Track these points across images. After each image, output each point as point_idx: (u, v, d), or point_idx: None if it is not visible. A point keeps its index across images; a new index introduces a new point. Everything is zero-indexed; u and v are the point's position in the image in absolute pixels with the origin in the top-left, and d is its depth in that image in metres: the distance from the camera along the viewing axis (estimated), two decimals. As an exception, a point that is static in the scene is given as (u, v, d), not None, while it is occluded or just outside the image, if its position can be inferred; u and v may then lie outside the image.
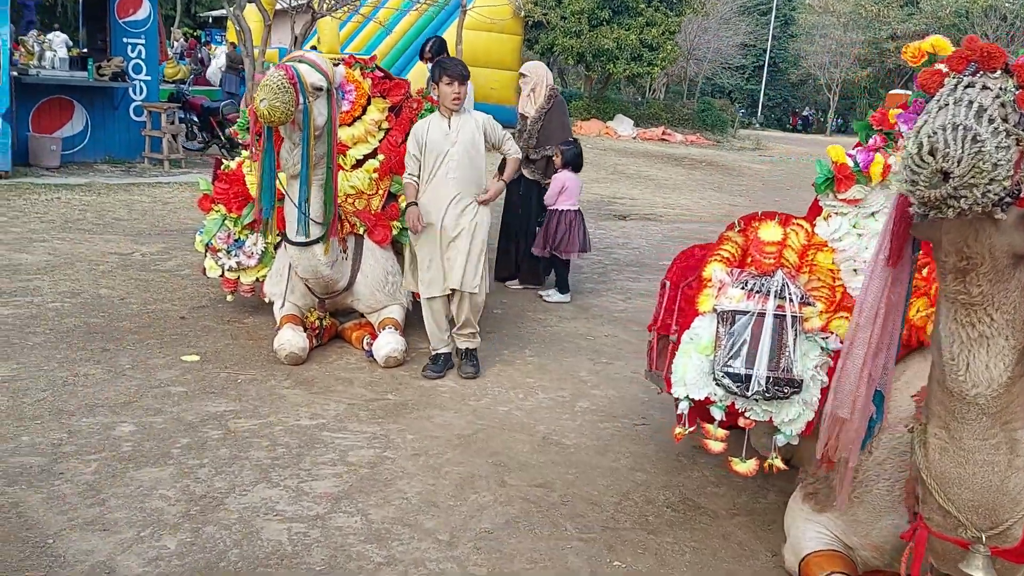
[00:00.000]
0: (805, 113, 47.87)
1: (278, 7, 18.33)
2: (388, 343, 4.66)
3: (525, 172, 6.37)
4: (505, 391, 4.49)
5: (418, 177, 4.50)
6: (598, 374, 4.89)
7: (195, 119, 12.47)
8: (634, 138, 23.41)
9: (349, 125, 5.21)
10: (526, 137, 6.45)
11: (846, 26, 43.71)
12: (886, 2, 44.11)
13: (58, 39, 20.54)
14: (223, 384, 4.24)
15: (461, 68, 4.30)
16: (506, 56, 22.47)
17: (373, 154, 5.22)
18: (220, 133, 12.29)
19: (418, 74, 20.62)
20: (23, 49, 18.03)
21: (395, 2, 18.85)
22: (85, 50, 14.27)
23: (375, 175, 5.10)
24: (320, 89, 4.13)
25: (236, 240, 5.14)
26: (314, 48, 16.82)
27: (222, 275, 5.21)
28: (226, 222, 5.15)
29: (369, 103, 5.23)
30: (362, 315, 5.08)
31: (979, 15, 39.04)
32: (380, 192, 5.12)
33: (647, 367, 3.35)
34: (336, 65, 4.83)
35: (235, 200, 5.09)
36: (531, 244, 6.35)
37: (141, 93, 11.29)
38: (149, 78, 11.38)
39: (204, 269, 5.27)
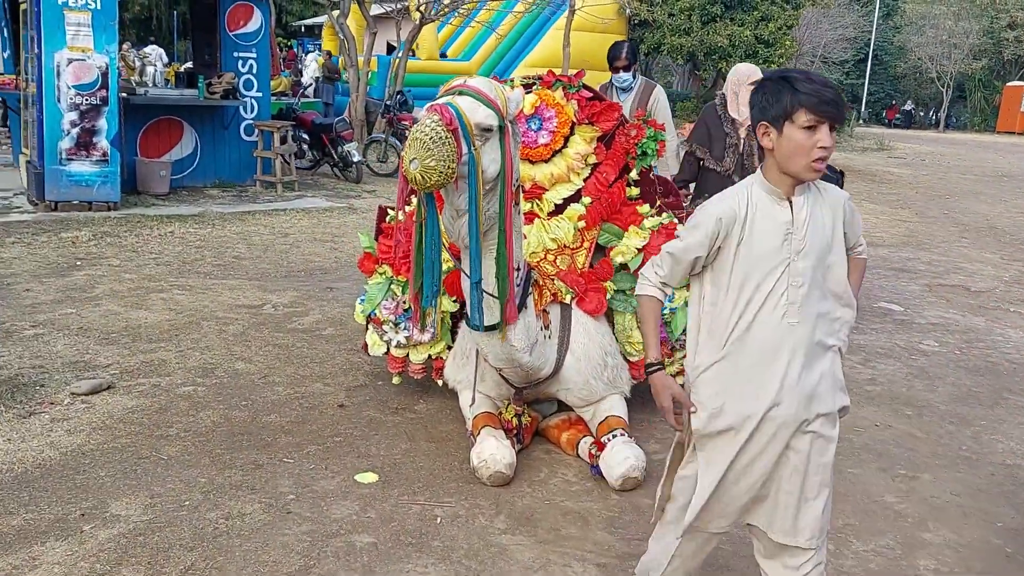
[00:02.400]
0: (907, 107, 45.11)
1: (374, 12, 17.58)
2: (624, 458, 3.48)
3: None
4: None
5: (668, 292, 2.34)
6: (908, 496, 3.61)
7: (305, 136, 11.61)
8: (749, 142, 21.83)
9: (547, 161, 4.08)
10: (744, 150, 5.25)
11: (957, 15, 40.94)
12: (1001, -12, 41.26)
13: (155, 53, 20.24)
14: (419, 526, 3.13)
15: (834, 97, 2.04)
16: (610, 58, 21.27)
17: (576, 196, 4.07)
18: (333, 151, 11.40)
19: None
20: (124, 64, 17.68)
21: (496, 3, 17.84)
22: (190, 64, 13.66)
23: (580, 223, 3.94)
24: (490, 129, 2.88)
25: (406, 310, 4.06)
26: (413, 54, 15.86)
27: (387, 352, 4.15)
28: (392, 287, 4.07)
29: (572, 132, 4.08)
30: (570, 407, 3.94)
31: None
32: (586, 245, 3.96)
33: None
34: (508, 85, 3.72)
35: (405, 260, 4.01)
36: None
37: (252, 111, 10.46)
38: (260, 94, 10.54)
39: (366, 346, 4.21)
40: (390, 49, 22.33)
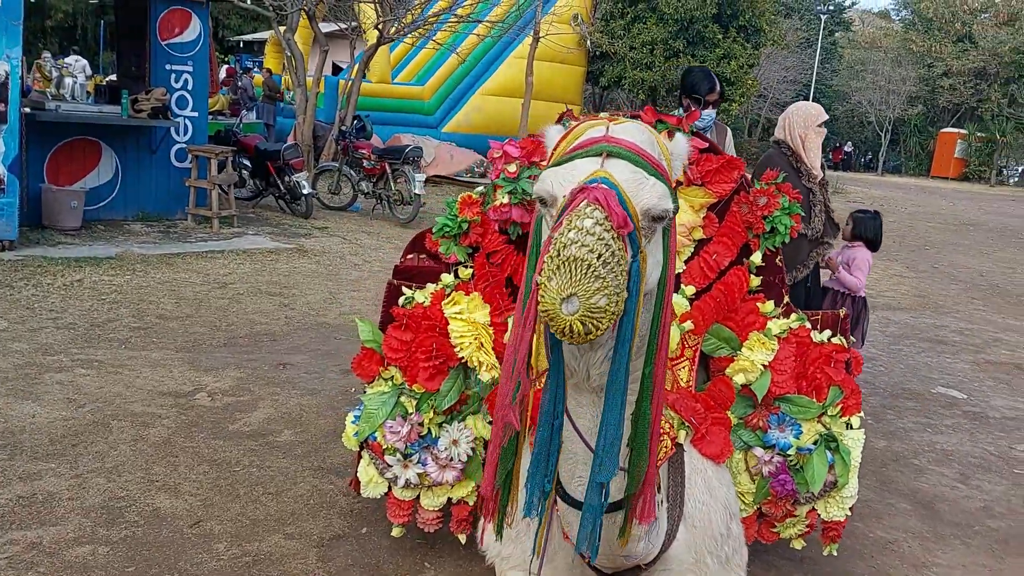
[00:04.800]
0: (848, 149, 45.74)
1: (325, 29, 16.18)
2: None
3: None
4: None
5: None
6: None
7: (247, 163, 10.16)
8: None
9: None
10: (822, 205, 4.16)
11: (895, 62, 41.61)
12: (938, 38, 42.05)
13: (77, 63, 18.43)
14: None
15: None
16: (568, 89, 20.33)
17: (676, 284, 2.82)
18: (279, 181, 9.98)
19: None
20: (39, 74, 15.87)
21: (455, 24, 16.69)
22: (113, 77, 12.10)
23: (687, 324, 2.68)
24: (663, 218, 1.63)
25: (423, 436, 2.77)
26: (363, 75, 14.53)
27: (388, 492, 2.85)
28: (403, 400, 2.77)
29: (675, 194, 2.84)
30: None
31: (1041, 51, 36.89)
32: (689, 354, 2.71)
33: None
34: (663, 132, 2.51)
35: (426, 363, 2.72)
36: None
37: (186, 133, 8.96)
38: (196, 114, 9.04)
39: (357, 482, 2.90)
40: (336, 70, 20.93)
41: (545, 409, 1.70)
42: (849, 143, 46.34)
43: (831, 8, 44.69)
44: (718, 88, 4.14)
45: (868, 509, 3.76)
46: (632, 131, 1.67)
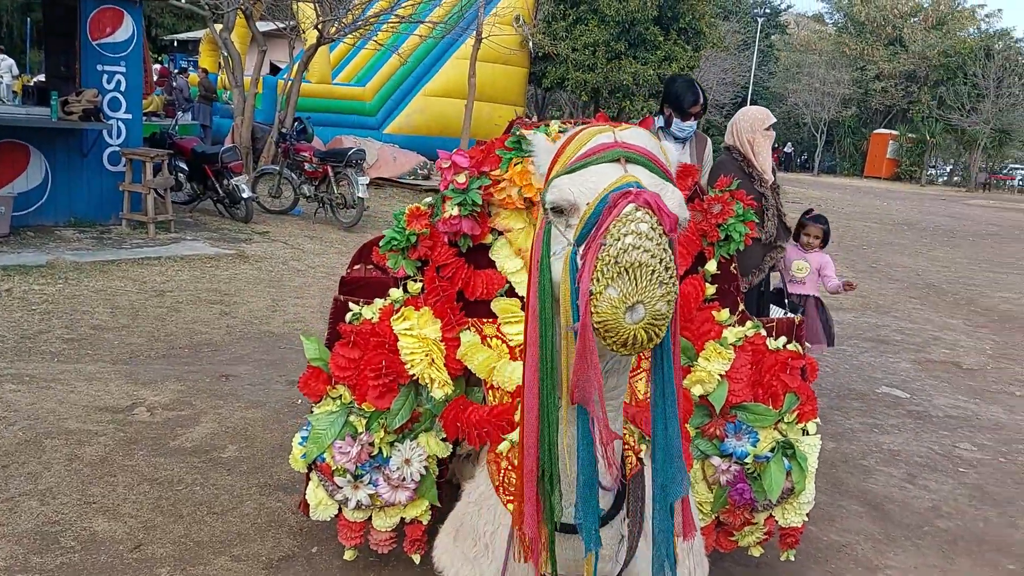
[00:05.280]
0: (787, 150, 46.72)
1: (263, 28, 15.84)
2: None
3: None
4: None
5: None
6: None
7: (183, 166, 9.87)
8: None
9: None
10: (775, 210, 4.21)
11: (829, 65, 42.66)
12: (870, 41, 43.18)
13: (4, 63, 17.78)
14: None
15: None
16: (511, 90, 20.30)
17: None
18: (217, 185, 9.72)
19: (437, 109, 18.39)
20: (-38, 74, 15.27)
21: (397, 23, 16.50)
22: (41, 77, 11.67)
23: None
24: (681, 226, 1.58)
25: (374, 456, 2.68)
26: (304, 76, 14.28)
27: (339, 514, 2.75)
28: (352, 420, 2.67)
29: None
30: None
31: (968, 54, 38.12)
32: (645, 366, 2.68)
33: None
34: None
35: (376, 381, 2.62)
36: None
37: (120, 136, 8.67)
38: (130, 116, 8.75)
39: (306, 504, 2.79)
40: (274, 70, 20.55)
41: (583, 434, 1.62)
42: (789, 144, 47.29)
43: (767, 11, 45.61)
44: (701, 100, 4.11)
45: (821, 512, 3.78)
46: (641, 137, 1.61)
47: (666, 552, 1.70)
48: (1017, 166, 46.55)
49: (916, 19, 43.75)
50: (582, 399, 1.52)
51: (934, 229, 18.48)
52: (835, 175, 43.37)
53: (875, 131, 42.92)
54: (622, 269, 1.32)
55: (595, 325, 1.36)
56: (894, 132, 41.44)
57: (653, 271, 1.33)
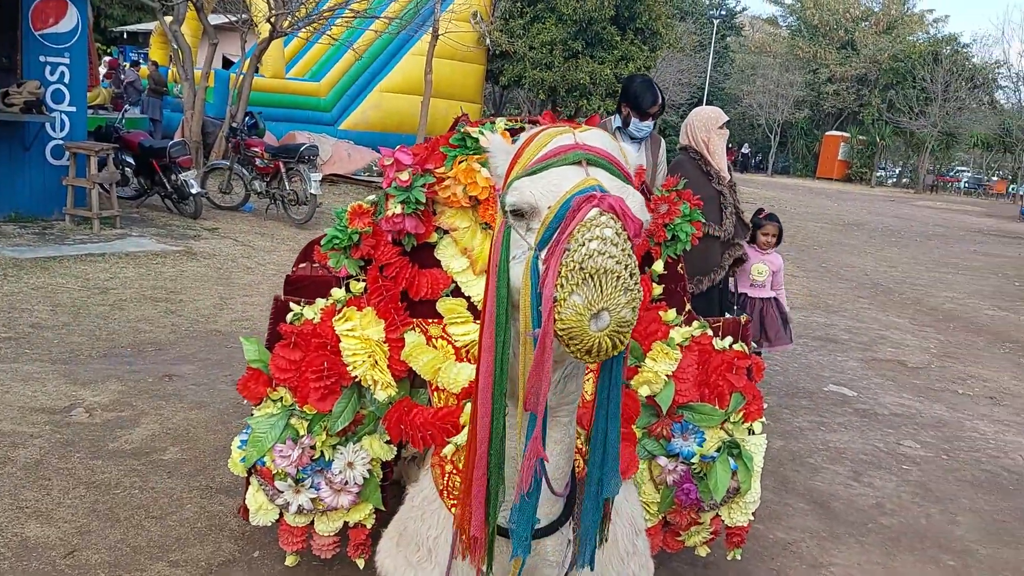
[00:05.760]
0: (744, 151, 47.33)
1: (215, 21, 15.57)
2: None
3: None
4: None
5: None
6: None
7: (130, 161, 9.65)
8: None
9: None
10: (732, 207, 4.24)
11: (783, 67, 43.30)
12: (822, 44, 43.91)
13: (-56, 52, 17.18)
14: None
15: None
16: (468, 87, 20.25)
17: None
18: (165, 180, 9.52)
19: (394, 106, 18.20)
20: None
21: (351, 18, 16.34)
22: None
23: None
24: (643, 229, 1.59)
25: (315, 459, 2.62)
26: (256, 70, 14.08)
27: (280, 519, 2.69)
28: (293, 423, 2.61)
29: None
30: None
31: (917, 59, 38.97)
32: (594, 366, 2.67)
33: None
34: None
35: (317, 383, 2.57)
36: None
37: (63, 129, 8.44)
38: (74, 109, 8.52)
39: (245, 509, 2.72)
40: (227, 64, 20.22)
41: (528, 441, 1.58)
42: (746, 145, 47.88)
43: (723, 13, 46.09)
44: (660, 100, 4.12)
45: (767, 510, 3.81)
46: (601, 138, 1.57)
47: (592, 546, 1.70)
48: (963, 168, 47.79)
49: (867, 23, 44.62)
50: (535, 407, 1.49)
51: (883, 230, 18.86)
52: (788, 176, 44.02)
53: (827, 133, 43.67)
54: (587, 275, 1.29)
55: (559, 332, 1.32)
56: (845, 134, 42.21)
57: (619, 277, 1.29)
